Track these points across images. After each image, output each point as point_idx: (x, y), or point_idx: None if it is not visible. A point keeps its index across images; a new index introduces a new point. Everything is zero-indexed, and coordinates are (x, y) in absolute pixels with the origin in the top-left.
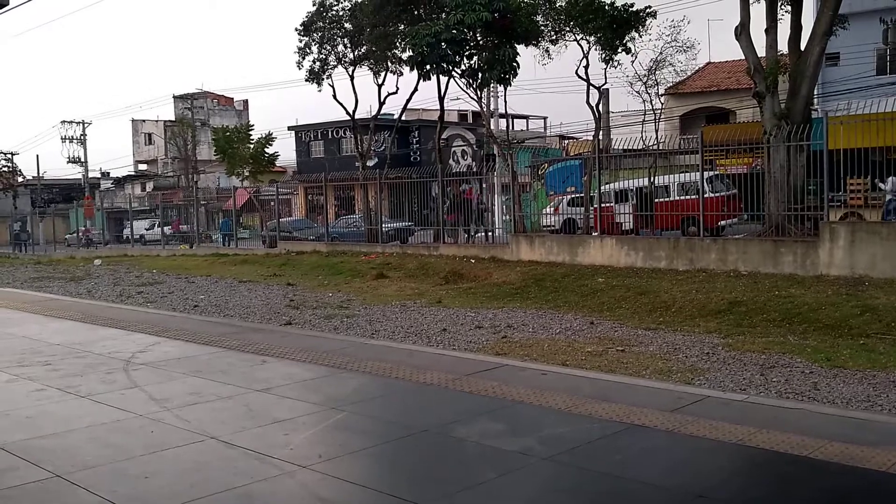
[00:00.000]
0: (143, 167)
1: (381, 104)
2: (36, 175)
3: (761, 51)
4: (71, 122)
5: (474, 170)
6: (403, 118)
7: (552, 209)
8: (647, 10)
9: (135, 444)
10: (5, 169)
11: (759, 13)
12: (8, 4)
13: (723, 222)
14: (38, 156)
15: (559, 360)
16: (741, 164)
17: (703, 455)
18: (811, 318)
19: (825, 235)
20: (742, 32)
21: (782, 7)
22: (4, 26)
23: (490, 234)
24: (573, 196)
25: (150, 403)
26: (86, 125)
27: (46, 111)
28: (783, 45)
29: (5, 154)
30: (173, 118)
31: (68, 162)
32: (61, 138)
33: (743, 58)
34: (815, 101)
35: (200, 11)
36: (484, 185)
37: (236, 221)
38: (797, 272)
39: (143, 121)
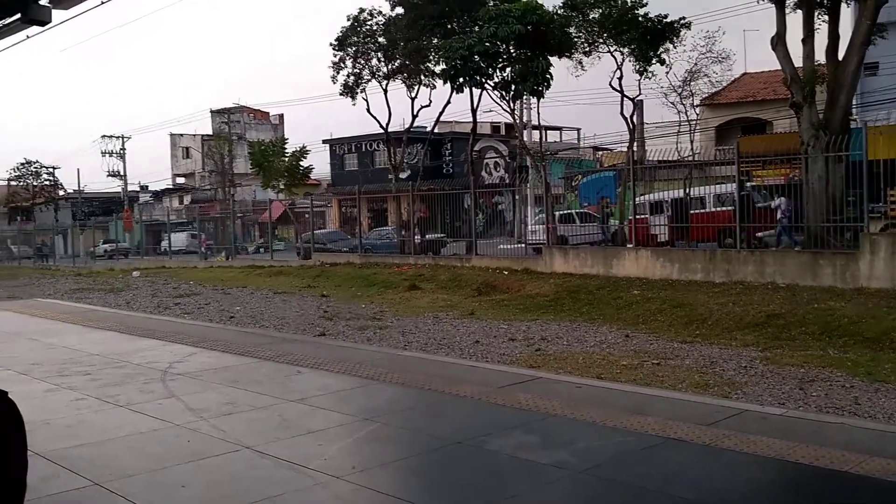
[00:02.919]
0: (180, 180)
1: (414, 117)
2: (77, 188)
3: (798, 61)
4: (111, 137)
5: (507, 181)
6: (436, 131)
7: (543, 226)
8: (682, 22)
9: (171, 453)
10: (47, 183)
11: (795, 23)
12: (50, 22)
13: (760, 234)
14: (78, 170)
15: (594, 372)
16: (778, 175)
17: (740, 470)
18: (851, 331)
19: (865, 247)
20: (778, 42)
21: (819, 17)
22: (49, 42)
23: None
24: (563, 213)
25: (187, 413)
26: (125, 139)
27: (87, 126)
28: (820, 55)
29: (47, 168)
30: (210, 132)
31: (108, 175)
32: (101, 152)
33: (779, 68)
34: (854, 111)
35: (237, 27)
36: (517, 197)
37: (272, 233)
38: (836, 284)
39: (181, 135)
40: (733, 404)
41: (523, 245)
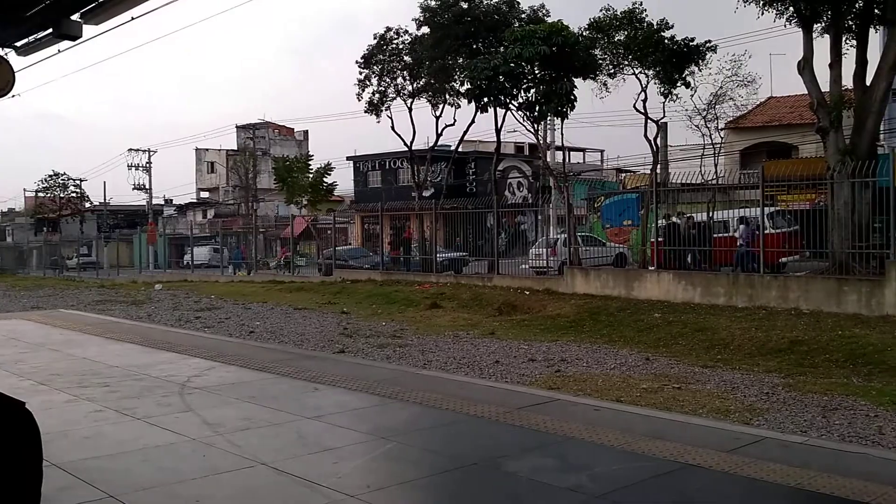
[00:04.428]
0: (204, 195)
1: (439, 136)
2: (103, 201)
3: (825, 86)
4: (137, 151)
5: (530, 201)
6: (460, 150)
7: (549, 250)
8: (707, 45)
9: (187, 467)
10: (74, 195)
11: (822, 48)
12: (81, 37)
13: (784, 259)
14: (105, 182)
15: (613, 395)
16: (803, 200)
17: (759, 498)
18: (876, 359)
19: (892, 274)
20: (805, 67)
21: (847, 42)
22: (79, 58)
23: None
24: (566, 237)
25: (204, 427)
26: (151, 153)
27: (115, 139)
28: (848, 80)
29: (74, 180)
30: (235, 147)
31: (134, 189)
32: (128, 166)
33: (806, 92)
34: (881, 136)
35: (263, 44)
36: (539, 217)
37: (293, 249)
38: (862, 312)
39: (206, 149)
40: (754, 431)
41: (543, 265)
